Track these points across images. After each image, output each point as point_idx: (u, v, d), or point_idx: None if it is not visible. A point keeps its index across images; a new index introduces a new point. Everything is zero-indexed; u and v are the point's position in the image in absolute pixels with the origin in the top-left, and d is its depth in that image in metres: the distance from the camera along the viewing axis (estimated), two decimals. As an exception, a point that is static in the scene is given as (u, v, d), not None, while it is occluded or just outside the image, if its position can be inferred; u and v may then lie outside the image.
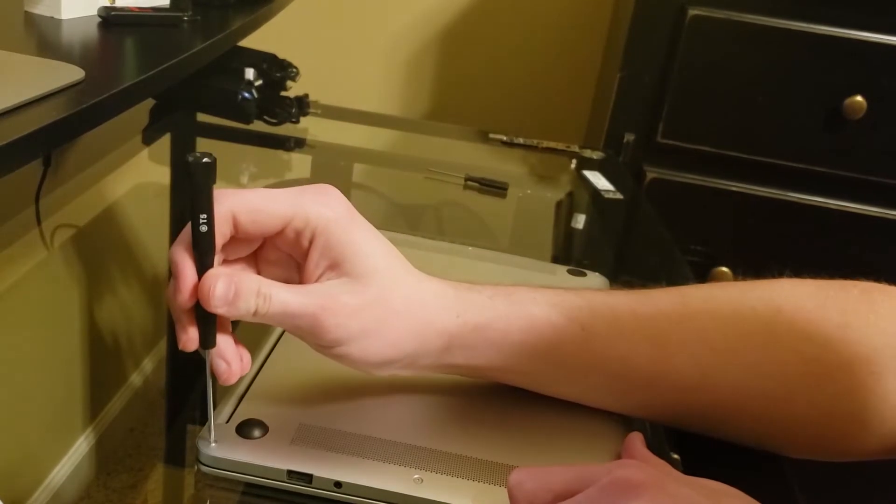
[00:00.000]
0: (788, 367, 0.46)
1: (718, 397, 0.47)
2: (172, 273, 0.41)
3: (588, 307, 0.47)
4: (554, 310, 0.46)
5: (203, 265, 0.40)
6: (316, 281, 0.42)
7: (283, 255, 0.44)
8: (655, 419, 0.51)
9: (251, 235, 0.42)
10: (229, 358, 0.42)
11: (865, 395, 0.46)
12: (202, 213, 0.40)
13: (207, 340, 0.42)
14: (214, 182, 0.40)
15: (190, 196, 0.39)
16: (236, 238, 0.42)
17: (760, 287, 0.49)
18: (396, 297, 0.43)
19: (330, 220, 0.42)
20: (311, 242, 0.42)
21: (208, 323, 0.41)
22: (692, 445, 0.51)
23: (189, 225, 0.40)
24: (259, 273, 0.44)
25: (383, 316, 0.42)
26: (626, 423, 0.51)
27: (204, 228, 0.40)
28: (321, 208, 0.42)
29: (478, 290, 0.46)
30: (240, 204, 0.41)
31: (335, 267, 0.42)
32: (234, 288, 0.40)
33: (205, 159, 0.39)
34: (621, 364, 0.46)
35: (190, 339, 0.41)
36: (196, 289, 0.40)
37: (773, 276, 0.49)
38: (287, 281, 0.44)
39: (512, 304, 0.46)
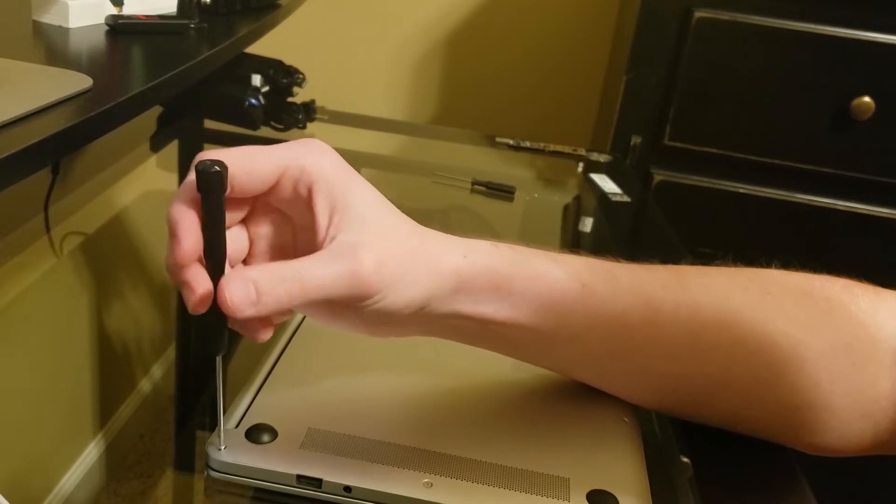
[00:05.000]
0: (774, 349, 0.46)
1: (707, 371, 0.48)
2: (173, 234, 0.39)
3: (587, 266, 0.47)
4: (555, 265, 0.47)
5: (217, 271, 0.39)
6: (327, 233, 0.41)
7: (275, 222, 0.43)
8: (653, 400, 0.52)
9: (246, 191, 0.41)
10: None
11: (844, 384, 0.47)
12: (222, 223, 0.39)
13: (219, 345, 0.41)
14: (226, 190, 0.39)
15: (204, 207, 0.38)
16: (229, 199, 0.41)
17: (751, 270, 0.49)
18: (409, 236, 0.43)
19: (325, 166, 0.41)
20: (310, 193, 0.41)
21: (220, 325, 0.40)
22: (701, 449, 0.51)
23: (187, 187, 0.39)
24: (252, 247, 0.43)
25: (406, 258, 0.42)
26: (636, 428, 0.51)
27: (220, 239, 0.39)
28: (315, 155, 0.41)
29: (481, 240, 0.46)
30: (231, 158, 0.39)
31: (343, 213, 0.41)
32: (252, 287, 0.38)
33: (216, 168, 0.38)
34: (617, 324, 0.47)
35: (193, 303, 0.39)
36: (205, 297, 0.39)
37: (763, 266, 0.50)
38: (282, 253, 0.43)
39: (516, 255, 0.46)
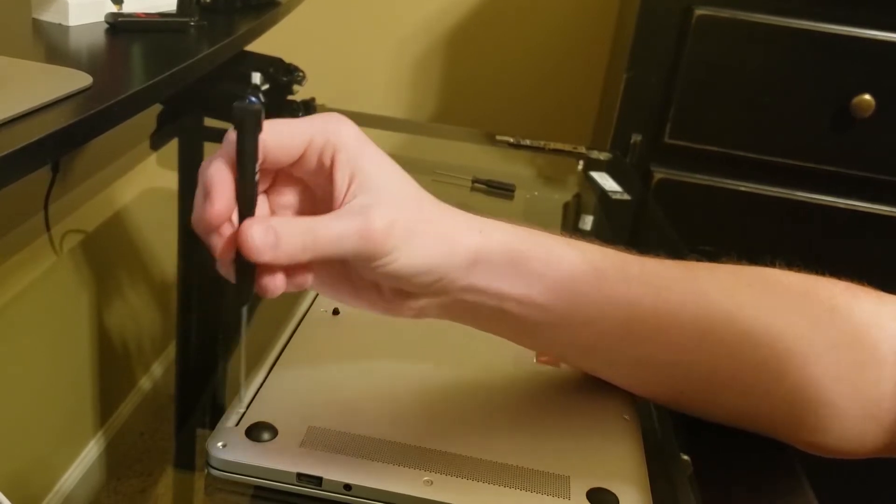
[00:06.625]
0: (778, 344, 0.47)
1: (714, 363, 0.48)
2: (207, 194, 0.39)
3: (600, 252, 0.48)
4: (570, 248, 0.47)
5: (247, 212, 0.39)
6: (344, 199, 0.41)
7: (296, 193, 0.44)
8: (661, 393, 0.51)
9: (278, 162, 0.42)
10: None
11: (846, 383, 0.47)
12: (255, 163, 0.39)
13: (247, 293, 0.40)
14: (261, 130, 0.39)
15: (239, 144, 0.38)
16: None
17: (754, 268, 0.50)
18: (425, 206, 0.43)
19: (349, 136, 0.42)
20: (332, 162, 0.41)
21: (248, 274, 0.39)
22: (701, 447, 0.51)
23: (224, 153, 0.39)
24: (272, 216, 0.43)
25: (420, 224, 0.42)
26: (636, 426, 0.51)
27: (257, 178, 0.39)
28: (338, 125, 0.42)
29: (497, 220, 0.47)
30: (265, 129, 0.40)
31: (361, 180, 0.41)
32: (273, 231, 0.39)
33: (254, 105, 0.38)
34: (629, 310, 0.47)
35: (219, 254, 0.39)
36: (231, 242, 0.39)
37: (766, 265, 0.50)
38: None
39: (530, 234, 0.47)
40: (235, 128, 0.38)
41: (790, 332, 0.47)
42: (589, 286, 0.46)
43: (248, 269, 0.39)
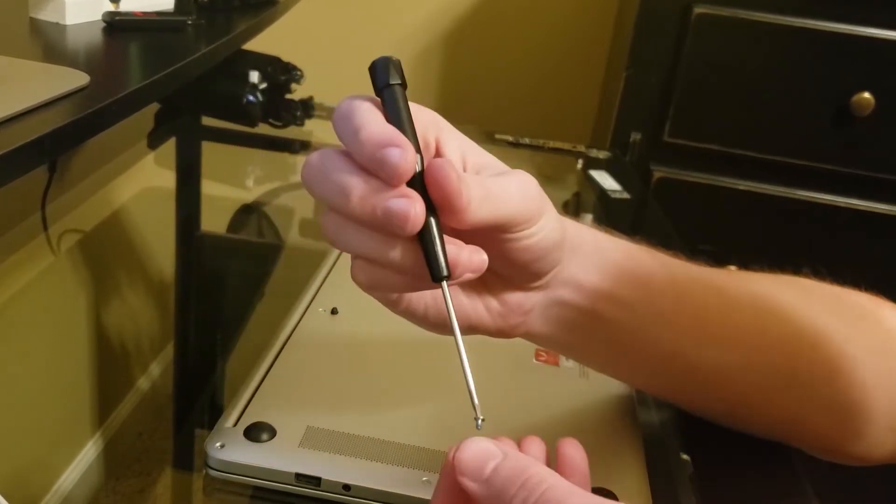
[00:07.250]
0: (829, 344, 0.46)
1: (774, 360, 0.47)
2: (390, 143, 0.34)
3: (661, 253, 0.47)
4: (635, 245, 0.47)
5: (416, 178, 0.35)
6: (465, 170, 0.39)
7: None
8: (720, 402, 0.50)
9: None
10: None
11: (884, 388, 0.47)
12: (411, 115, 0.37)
13: (442, 266, 0.35)
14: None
15: (393, 101, 0.37)
16: None
17: (786, 275, 0.50)
18: None
19: (441, 118, 0.40)
20: (437, 141, 0.39)
21: (437, 246, 0.35)
22: (701, 448, 0.51)
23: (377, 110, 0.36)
24: None
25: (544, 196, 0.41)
26: (636, 425, 0.50)
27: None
28: (426, 109, 0.40)
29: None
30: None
31: (475, 157, 0.40)
32: (483, 189, 0.36)
33: (393, 56, 0.37)
34: (697, 307, 0.47)
35: (418, 210, 0.34)
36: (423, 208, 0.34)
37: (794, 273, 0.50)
38: None
39: (601, 233, 0.46)
40: (387, 83, 0.37)
41: (838, 335, 0.47)
42: (660, 281, 0.46)
43: (433, 241, 0.35)
